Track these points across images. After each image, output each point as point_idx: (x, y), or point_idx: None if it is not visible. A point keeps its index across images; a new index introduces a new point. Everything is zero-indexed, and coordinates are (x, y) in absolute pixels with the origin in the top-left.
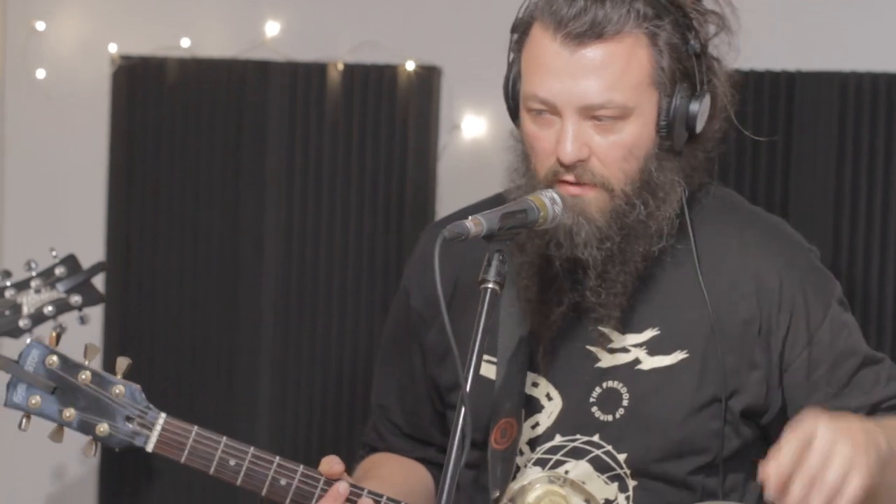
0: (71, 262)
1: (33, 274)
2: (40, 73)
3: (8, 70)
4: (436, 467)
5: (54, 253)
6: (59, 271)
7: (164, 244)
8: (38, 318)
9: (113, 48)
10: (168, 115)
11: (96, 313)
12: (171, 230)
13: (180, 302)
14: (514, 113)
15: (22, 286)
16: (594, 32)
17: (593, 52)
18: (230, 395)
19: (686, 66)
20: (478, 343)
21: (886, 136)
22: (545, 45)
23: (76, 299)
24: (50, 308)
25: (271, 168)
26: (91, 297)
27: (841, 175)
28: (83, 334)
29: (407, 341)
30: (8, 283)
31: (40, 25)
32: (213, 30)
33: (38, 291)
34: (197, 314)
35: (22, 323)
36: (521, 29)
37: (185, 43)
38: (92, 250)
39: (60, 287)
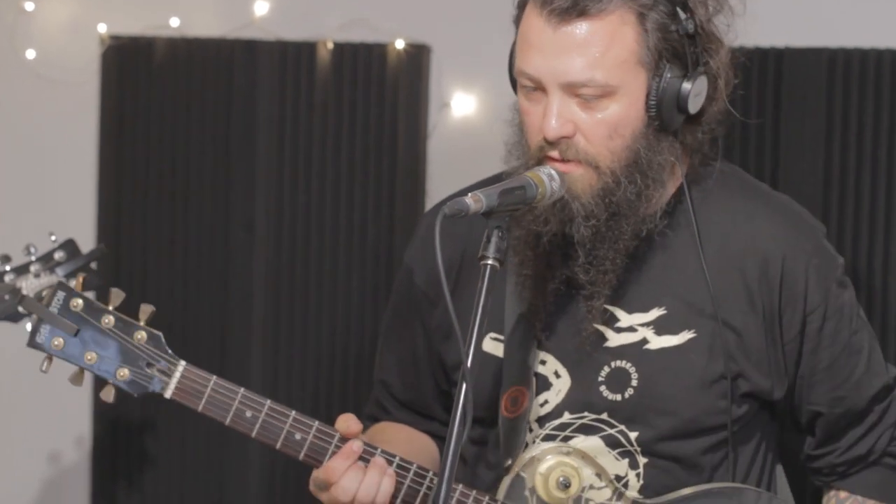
0: (70, 246)
1: (33, 258)
2: (30, 54)
3: None
4: (439, 440)
5: (53, 237)
6: (58, 256)
7: (154, 224)
8: None
9: (102, 28)
10: (157, 95)
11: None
12: (161, 210)
13: (171, 284)
14: (515, 87)
15: (21, 271)
16: (577, 9)
17: (576, 30)
18: (222, 375)
19: (677, 47)
20: (478, 319)
21: (875, 112)
22: (533, 22)
23: (56, 282)
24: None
25: (261, 147)
26: (90, 282)
27: (829, 152)
28: None
29: (410, 319)
30: (7, 268)
31: (29, 6)
32: (202, 9)
33: (37, 276)
34: (189, 296)
35: (21, 307)
36: (520, 5)
37: (175, 22)
38: (82, 231)
39: (60, 271)
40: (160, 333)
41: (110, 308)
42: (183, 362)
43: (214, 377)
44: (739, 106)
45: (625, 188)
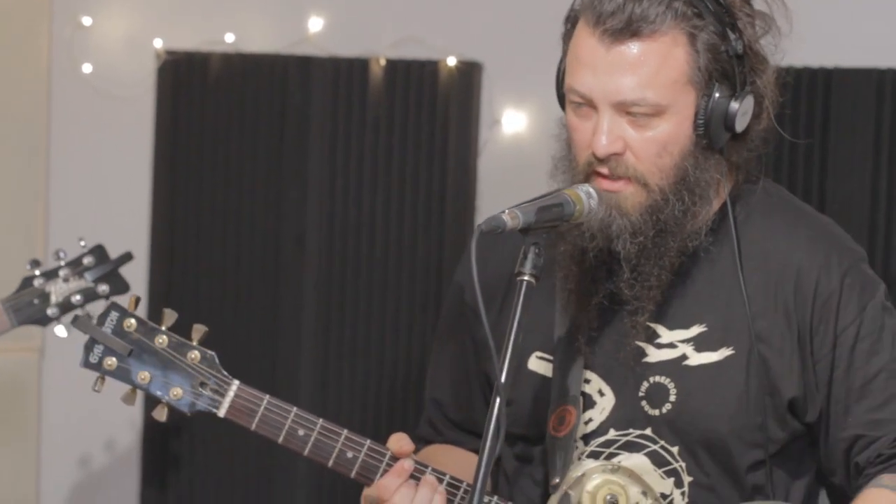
0: (99, 251)
1: (62, 263)
2: (86, 68)
3: (54, 65)
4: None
5: (83, 243)
6: (86, 261)
7: (207, 239)
8: (65, 306)
9: (158, 43)
10: (212, 110)
11: (140, 308)
12: (214, 225)
13: (223, 297)
14: (562, 103)
15: (50, 275)
16: (630, 30)
17: (629, 50)
18: (272, 389)
19: (726, 67)
20: (513, 334)
21: None
22: (584, 40)
23: (103, 288)
24: (78, 297)
25: (313, 163)
26: (118, 286)
27: (877, 172)
28: None
29: (461, 336)
30: (37, 273)
31: (86, 20)
32: (256, 25)
33: (66, 280)
34: (240, 309)
35: (50, 311)
36: (570, 22)
37: (230, 38)
38: (137, 245)
39: (88, 276)
40: (214, 353)
41: (163, 328)
42: (236, 382)
43: (267, 396)
44: (788, 126)
45: (673, 205)
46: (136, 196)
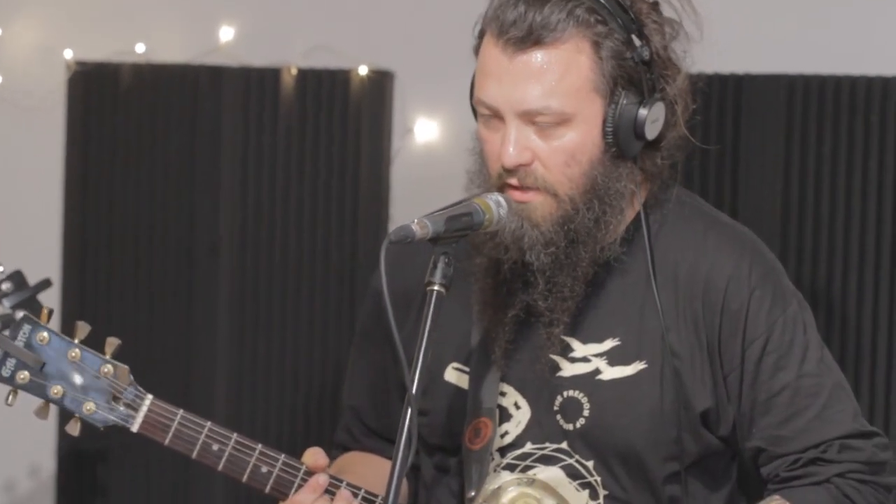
0: (17, 277)
1: None
2: None
3: None
4: (410, 469)
5: (0, 268)
6: (5, 287)
7: (119, 250)
8: None
9: (68, 54)
10: (123, 120)
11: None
12: (126, 236)
13: (136, 308)
14: (476, 115)
15: None
16: (532, 38)
17: (531, 58)
18: (187, 400)
19: (633, 74)
20: (423, 345)
21: (833, 139)
22: (489, 51)
23: (21, 315)
24: None
25: (226, 172)
26: (36, 314)
27: (788, 179)
28: None
29: (378, 343)
30: None
31: None
32: (167, 35)
33: None
34: (154, 320)
35: None
36: (479, 35)
37: (140, 48)
38: (47, 257)
39: (6, 302)
40: (126, 367)
41: (76, 341)
42: (150, 396)
43: (181, 411)
44: (699, 132)
45: (583, 215)
46: (47, 207)
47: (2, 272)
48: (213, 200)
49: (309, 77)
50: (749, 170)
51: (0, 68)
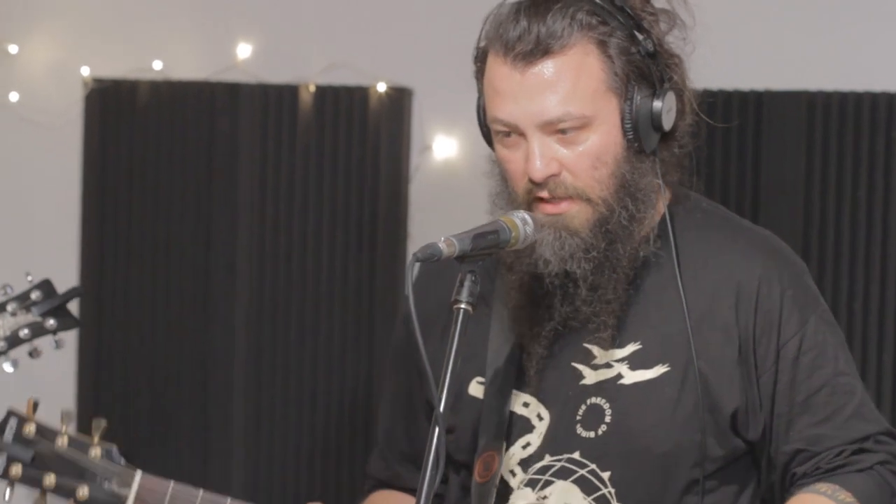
0: (46, 286)
1: (9, 297)
2: (13, 97)
3: None
4: (434, 497)
5: (30, 277)
6: (34, 295)
7: (137, 266)
8: (13, 340)
9: (85, 71)
10: (140, 138)
11: (71, 336)
12: (144, 252)
13: (154, 324)
14: (488, 139)
15: None
16: (540, 50)
17: (543, 69)
18: (204, 413)
19: (641, 67)
20: (450, 363)
21: (854, 154)
22: (498, 70)
23: (51, 323)
24: (25, 331)
25: (243, 189)
26: (66, 322)
27: (809, 194)
28: (58, 358)
29: (407, 367)
30: None
31: (13, 49)
32: (184, 52)
33: (13, 314)
34: (171, 336)
35: None
36: (480, 58)
37: (158, 65)
38: (66, 273)
39: (36, 311)
40: (113, 446)
41: (63, 429)
42: (139, 472)
43: (172, 482)
44: (720, 148)
45: (618, 214)
46: (64, 225)
47: (31, 280)
48: (230, 218)
49: (327, 94)
50: (770, 186)
51: (17, 86)
